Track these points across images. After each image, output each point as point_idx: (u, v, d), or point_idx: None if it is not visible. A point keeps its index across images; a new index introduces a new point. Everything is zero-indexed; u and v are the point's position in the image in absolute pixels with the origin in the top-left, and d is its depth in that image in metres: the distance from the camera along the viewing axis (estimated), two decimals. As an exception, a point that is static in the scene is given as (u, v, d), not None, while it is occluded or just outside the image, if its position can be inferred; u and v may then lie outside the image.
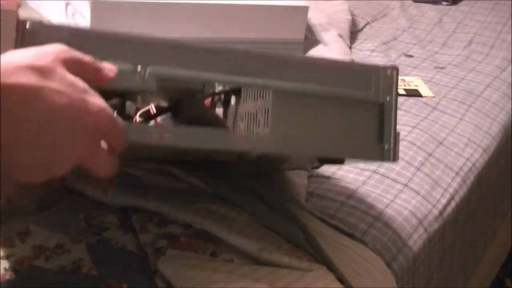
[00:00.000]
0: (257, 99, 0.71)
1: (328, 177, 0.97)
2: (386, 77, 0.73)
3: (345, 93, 0.71)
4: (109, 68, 0.58)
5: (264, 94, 0.68)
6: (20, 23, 0.58)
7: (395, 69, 0.74)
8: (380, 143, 0.73)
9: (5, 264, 0.69)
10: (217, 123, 0.77)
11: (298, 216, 0.79)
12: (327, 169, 0.99)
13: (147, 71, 0.62)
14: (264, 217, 0.78)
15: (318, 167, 1.00)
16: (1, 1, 0.62)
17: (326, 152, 0.70)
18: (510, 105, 1.32)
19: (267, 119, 0.67)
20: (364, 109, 0.72)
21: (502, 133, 1.24)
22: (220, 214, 0.77)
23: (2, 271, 0.68)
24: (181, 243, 0.75)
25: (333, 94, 0.70)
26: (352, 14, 1.62)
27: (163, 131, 0.62)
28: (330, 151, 0.70)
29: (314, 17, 1.47)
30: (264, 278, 0.69)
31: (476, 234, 1.26)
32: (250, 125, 0.71)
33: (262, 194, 0.81)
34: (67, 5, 1.25)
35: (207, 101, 0.84)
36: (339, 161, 0.77)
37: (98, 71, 0.57)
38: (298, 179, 0.91)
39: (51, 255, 0.71)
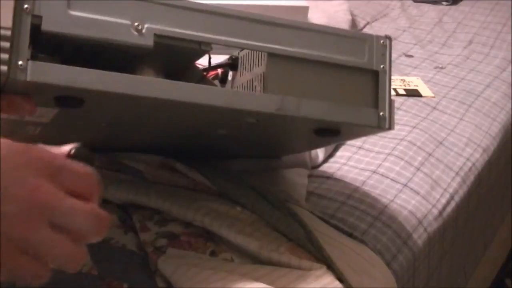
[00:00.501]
0: (252, 69, 0.71)
1: (328, 177, 0.97)
2: (379, 45, 0.74)
3: (339, 59, 0.72)
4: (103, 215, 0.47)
5: (259, 61, 0.69)
6: None
7: (388, 39, 0.74)
8: (375, 110, 0.73)
9: (5, 263, 0.69)
10: None
11: (299, 214, 0.80)
12: (327, 169, 0.99)
13: (145, 27, 0.62)
14: (266, 215, 0.78)
15: (318, 166, 1.00)
16: None
17: (321, 114, 0.70)
18: (510, 105, 1.32)
19: (263, 83, 0.68)
20: (359, 76, 0.73)
21: (502, 133, 1.24)
22: (221, 213, 0.77)
23: (3, 271, 0.68)
24: (181, 242, 0.75)
25: (327, 60, 0.71)
26: (352, 14, 1.62)
27: (152, 81, 0.62)
28: (325, 113, 0.71)
29: (314, 17, 1.47)
30: (264, 278, 0.69)
31: (476, 234, 1.26)
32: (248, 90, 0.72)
33: (263, 192, 0.81)
34: (67, 5, 1.25)
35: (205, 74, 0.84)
36: (335, 132, 0.77)
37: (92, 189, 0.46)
38: (298, 178, 0.91)
39: (51, 255, 0.71)
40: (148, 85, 0.62)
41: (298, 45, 0.69)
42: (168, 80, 0.63)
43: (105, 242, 0.74)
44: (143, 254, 0.73)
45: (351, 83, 0.73)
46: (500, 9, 1.84)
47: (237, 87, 0.78)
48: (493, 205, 1.34)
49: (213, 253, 0.74)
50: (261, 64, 0.69)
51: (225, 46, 0.68)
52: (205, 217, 0.76)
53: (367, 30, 1.65)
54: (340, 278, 0.73)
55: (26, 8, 0.57)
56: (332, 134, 0.76)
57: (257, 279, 0.68)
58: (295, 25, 0.70)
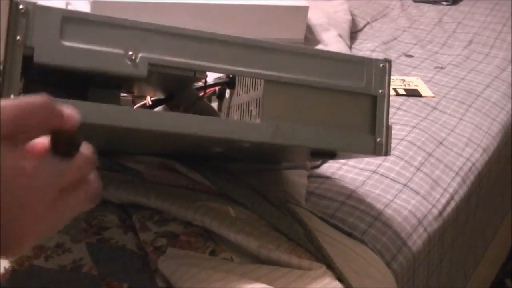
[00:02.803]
0: (249, 91, 0.70)
1: (328, 177, 0.97)
2: (378, 69, 0.73)
3: (337, 84, 0.71)
4: (70, 112, 0.46)
5: (256, 85, 0.68)
6: (13, 4, 0.57)
7: (387, 62, 0.73)
8: (372, 136, 0.73)
9: (5, 263, 0.69)
10: (211, 114, 0.77)
11: (299, 214, 0.80)
12: (327, 169, 0.99)
13: (139, 56, 0.61)
14: (266, 214, 0.78)
15: (317, 167, 1.00)
16: None
17: (317, 142, 0.70)
18: (510, 105, 1.32)
19: (259, 109, 0.67)
20: (357, 101, 0.72)
21: (502, 133, 1.24)
22: (221, 212, 0.77)
23: (2, 271, 0.68)
24: (181, 241, 0.75)
25: (325, 85, 0.70)
26: (352, 14, 1.62)
27: (153, 115, 0.62)
28: (321, 142, 0.70)
29: (314, 17, 1.47)
30: (264, 277, 0.69)
31: (476, 234, 1.26)
32: (243, 116, 0.71)
33: (263, 192, 0.81)
34: (67, 5, 1.25)
35: (202, 93, 0.84)
36: (331, 155, 0.76)
37: (57, 118, 0.45)
38: (298, 178, 0.91)
39: (51, 255, 0.71)
40: (143, 117, 0.61)
41: (295, 70, 0.69)
42: (161, 112, 0.63)
43: (105, 242, 0.74)
44: (143, 254, 0.73)
45: (348, 108, 0.72)
46: (500, 9, 1.84)
47: (234, 107, 0.77)
48: (493, 205, 1.34)
49: (212, 253, 0.74)
50: (257, 89, 0.68)
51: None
52: (204, 217, 0.76)
53: (367, 30, 1.65)
54: (340, 278, 0.73)
55: (18, 40, 0.57)
56: (328, 157, 0.76)
57: (256, 279, 0.68)
58: (292, 50, 0.69)
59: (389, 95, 0.73)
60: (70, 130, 0.45)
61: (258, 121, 0.67)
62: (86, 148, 0.47)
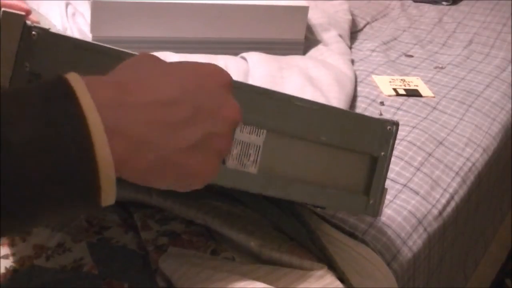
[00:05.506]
0: (252, 133, 0.70)
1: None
2: (385, 131, 0.71)
3: (340, 142, 0.69)
4: None
5: (259, 131, 0.67)
6: (25, 29, 0.57)
7: (395, 125, 0.72)
8: (366, 197, 0.71)
9: (6, 263, 0.69)
10: None
11: (301, 213, 0.80)
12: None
13: None
14: (268, 213, 0.78)
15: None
16: (8, 1, 0.62)
17: (309, 199, 0.70)
18: (510, 105, 1.32)
19: (257, 157, 0.67)
20: (356, 160, 0.71)
21: (502, 133, 1.24)
22: (223, 211, 0.77)
23: (3, 270, 0.68)
24: (183, 240, 0.75)
25: (327, 141, 0.69)
26: (352, 14, 1.62)
27: None
28: (314, 199, 0.70)
29: (314, 17, 1.47)
30: (265, 277, 0.69)
31: (476, 234, 1.26)
32: (242, 156, 0.70)
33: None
34: (67, 5, 1.25)
35: None
36: (321, 206, 0.77)
37: None
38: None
39: (52, 254, 0.71)
40: None
41: (299, 124, 0.68)
42: None
43: (105, 241, 0.74)
44: (144, 254, 0.73)
45: (346, 166, 0.71)
46: (500, 9, 1.84)
47: (235, 141, 0.76)
48: (493, 205, 1.34)
49: (214, 252, 0.74)
50: (259, 135, 0.68)
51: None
52: (206, 215, 0.76)
53: (367, 30, 1.65)
54: (341, 278, 0.73)
55: (26, 66, 0.57)
56: (318, 207, 0.76)
57: (257, 278, 0.69)
58: (299, 103, 0.68)
59: (390, 158, 0.72)
60: None
61: (254, 170, 0.67)
62: None
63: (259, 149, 0.67)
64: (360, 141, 0.70)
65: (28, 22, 0.58)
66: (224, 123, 0.50)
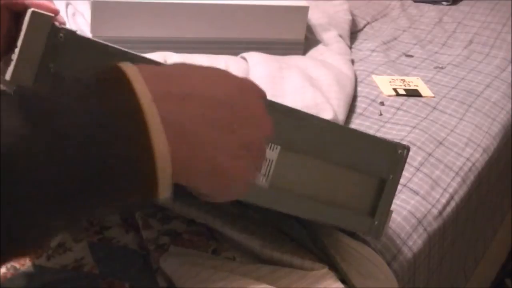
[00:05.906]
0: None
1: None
2: (396, 155, 0.71)
3: (351, 163, 0.69)
4: None
5: (273, 146, 0.67)
6: (52, 30, 0.57)
7: (406, 149, 0.72)
8: (371, 219, 0.72)
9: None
10: None
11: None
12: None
13: None
14: (269, 214, 0.78)
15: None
16: (36, 1, 0.61)
17: (316, 216, 0.70)
18: (510, 105, 1.32)
19: (269, 171, 0.67)
20: (365, 181, 0.71)
21: (502, 133, 1.24)
22: (224, 210, 0.77)
23: (4, 270, 0.68)
24: (184, 240, 0.75)
25: (339, 162, 0.69)
26: (352, 14, 1.62)
27: None
28: (320, 217, 0.70)
29: (314, 17, 1.47)
30: (266, 277, 0.69)
31: (476, 234, 1.26)
32: None
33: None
34: (67, 5, 1.25)
35: None
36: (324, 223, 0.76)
37: None
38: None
39: (53, 254, 0.71)
40: None
41: (313, 142, 0.68)
42: None
43: (106, 241, 0.74)
44: (145, 253, 0.73)
45: (355, 187, 0.71)
46: (500, 9, 1.84)
47: None
48: (493, 205, 1.34)
49: (215, 252, 0.74)
50: (273, 150, 0.67)
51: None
52: (208, 215, 0.76)
53: (367, 30, 1.65)
54: (343, 279, 0.73)
55: (51, 67, 0.56)
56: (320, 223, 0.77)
57: (258, 278, 0.69)
58: (317, 122, 0.68)
59: (398, 181, 0.72)
60: None
61: (265, 184, 0.67)
62: None
63: (271, 163, 0.67)
64: (371, 163, 0.71)
65: (56, 24, 0.58)
66: (261, 135, 0.50)
